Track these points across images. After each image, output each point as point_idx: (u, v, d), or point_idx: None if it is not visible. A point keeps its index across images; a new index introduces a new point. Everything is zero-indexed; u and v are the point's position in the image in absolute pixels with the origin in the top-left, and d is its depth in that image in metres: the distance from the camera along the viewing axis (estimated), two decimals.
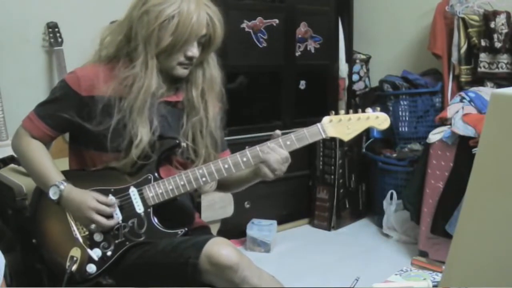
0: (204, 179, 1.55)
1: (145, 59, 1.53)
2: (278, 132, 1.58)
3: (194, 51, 1.56)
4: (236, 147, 1.77)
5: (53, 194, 1.55)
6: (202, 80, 1.64)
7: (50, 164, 1.60)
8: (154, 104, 1.56)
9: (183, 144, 1.60)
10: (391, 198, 3.24)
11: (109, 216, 1.54)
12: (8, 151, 2.20)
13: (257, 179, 1.63)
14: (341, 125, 1.58)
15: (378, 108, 1.62)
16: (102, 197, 1.55)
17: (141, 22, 1.53)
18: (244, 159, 1.55)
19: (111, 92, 1.54)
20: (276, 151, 1.54)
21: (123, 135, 1.53)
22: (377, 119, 1.60)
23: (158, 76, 1.56)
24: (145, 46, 1.53)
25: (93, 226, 1.54)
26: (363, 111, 1.61)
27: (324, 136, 1.57)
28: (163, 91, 1.59)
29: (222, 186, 1.74)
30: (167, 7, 1.51)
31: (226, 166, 1.55)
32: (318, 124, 1.58)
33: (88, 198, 1.53)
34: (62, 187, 1.55)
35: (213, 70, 1.66)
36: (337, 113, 1.60)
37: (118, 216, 1.55)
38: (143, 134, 1.52)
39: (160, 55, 1.55)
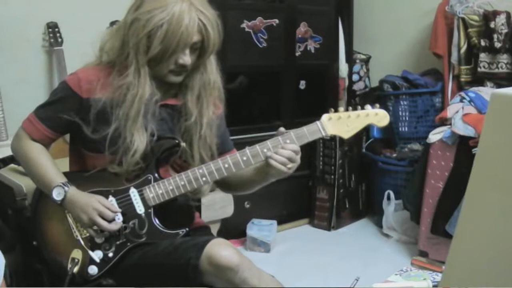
0: (204, 178, 1.55)
1: (137, 67, 1.51)
2: (282, 129, 1.55)
3: (185, 59, 1.52)
4: (236, 147, 1.76)
5: (57, 195, 1.54)
6: (198, 84, 1.60)
7: (53, 165, 1.60)
8: (149, 111, 1.54)
9: (182, 144, 1.59)
10: (389, 198, 3.23)
11: (111, 221, 1.54)
12: (8, 151, 2.19)
13: (270, 178, 1.60)
14: (341, 123, 1.57)
15: (377, 105, 1.60)
16: (106, 201, 1.55)
17: (131, 29, 1.51)
18: (244, 158, 1.55)
19: (105, 99, 1.53)
20: (278, 152, 1.52)
21: (118, 143, 1.52)
22: (376, 116, 1.59)
23: (151, 83, 1.54)
24: (135, 54, 1.51)
25: (94, 227, 1.54)
26: (362, 108, 1.59)
27: (323, 134, 1.55)
28: (158, 97, 1.56)
29: (229, 186, 1.73)
30: (156, 15, 1.46)
31: (226, 165, 1.55)
32: (318, 122, 1.56)
33: (93, 200, 1.53)
34: (66, 188, 1.54)
35: (211, 75, 1.62)
36: (336, 110, 1.58)
37: (119, 218, 1.55)
38: (139, 143, 1.52)
39: (151, 63, 1.52)
